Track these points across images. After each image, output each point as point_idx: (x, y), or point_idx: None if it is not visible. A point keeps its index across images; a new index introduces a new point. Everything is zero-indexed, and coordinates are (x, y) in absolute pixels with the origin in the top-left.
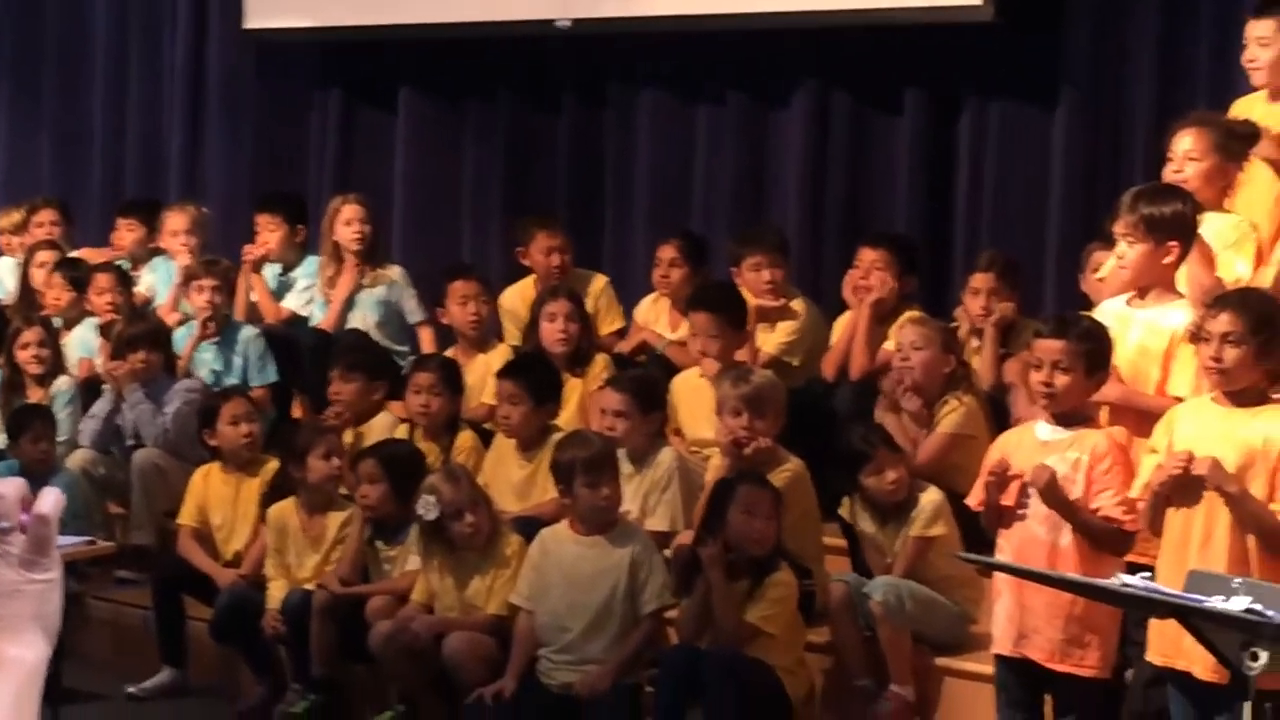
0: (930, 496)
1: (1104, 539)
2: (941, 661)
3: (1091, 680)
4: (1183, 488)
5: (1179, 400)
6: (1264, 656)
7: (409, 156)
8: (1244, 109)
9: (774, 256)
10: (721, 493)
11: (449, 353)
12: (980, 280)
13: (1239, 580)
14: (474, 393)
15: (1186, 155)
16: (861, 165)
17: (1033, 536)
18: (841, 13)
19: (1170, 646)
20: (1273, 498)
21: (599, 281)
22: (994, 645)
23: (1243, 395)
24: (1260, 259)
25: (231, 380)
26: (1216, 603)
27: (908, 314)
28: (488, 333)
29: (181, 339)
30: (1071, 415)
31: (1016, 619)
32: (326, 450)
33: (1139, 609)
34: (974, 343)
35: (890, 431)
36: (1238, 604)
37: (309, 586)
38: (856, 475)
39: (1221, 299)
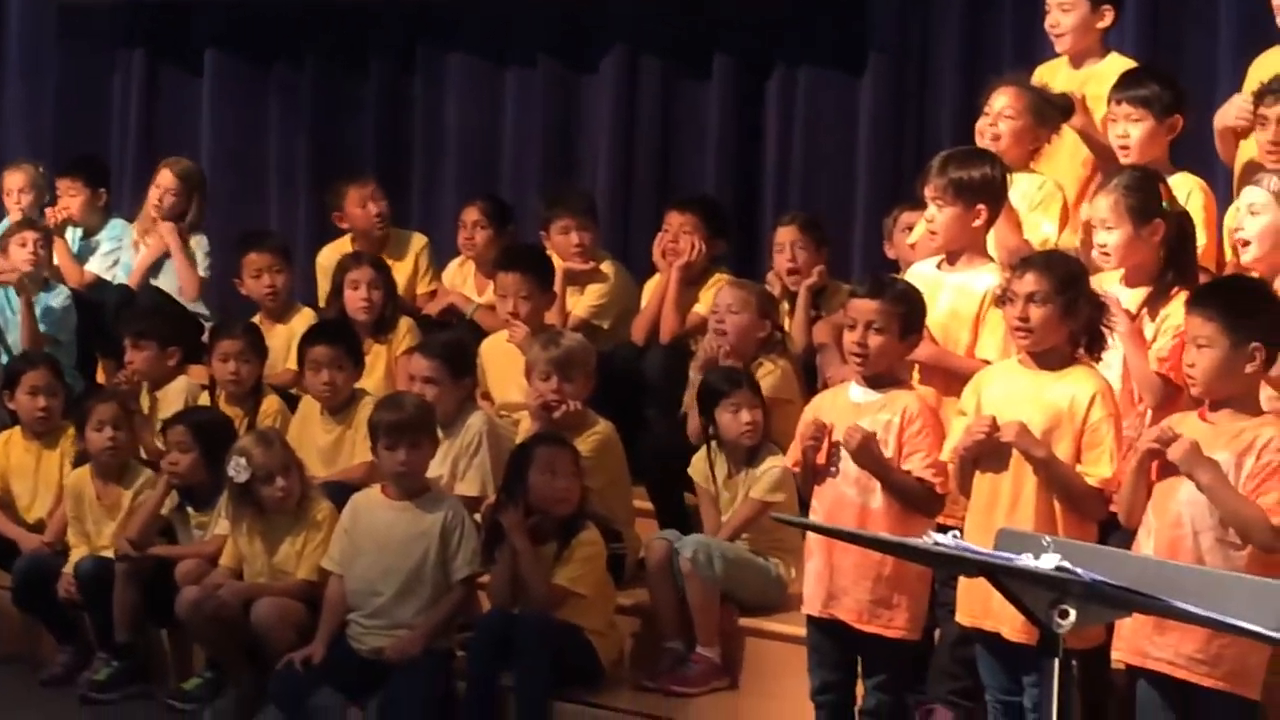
0: (779, 462)
1: (915, 500)
2: (754, 623)
3: (900, 641)
4: (990, 452)
5: (987, 363)
6: (1073, 614)
7: (214, 119)
8: (1047, 75)
9: (583, 220)
10: (520, 456)
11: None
12: (784, 234)
13: (1049, 538)
14: (277, 359)
15: (1002, 112)
16: (670, 129)
17: (843, 497)
18: None
19: (978, 607)
20: (1079, 459)
21: (419, 241)
22: (804, 606)
23: (1048, 357)
24: (1065, 221)
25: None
26: (1027, 561)
27: (721, 277)
28: (286, 301)
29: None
30: (883, 377)
31: (826, 580)
32: (99, 421)
33: (950, 568)
34: (785, 306)
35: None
36: (1048, 562)
37: (108, 554)
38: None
39: (1026, 260)
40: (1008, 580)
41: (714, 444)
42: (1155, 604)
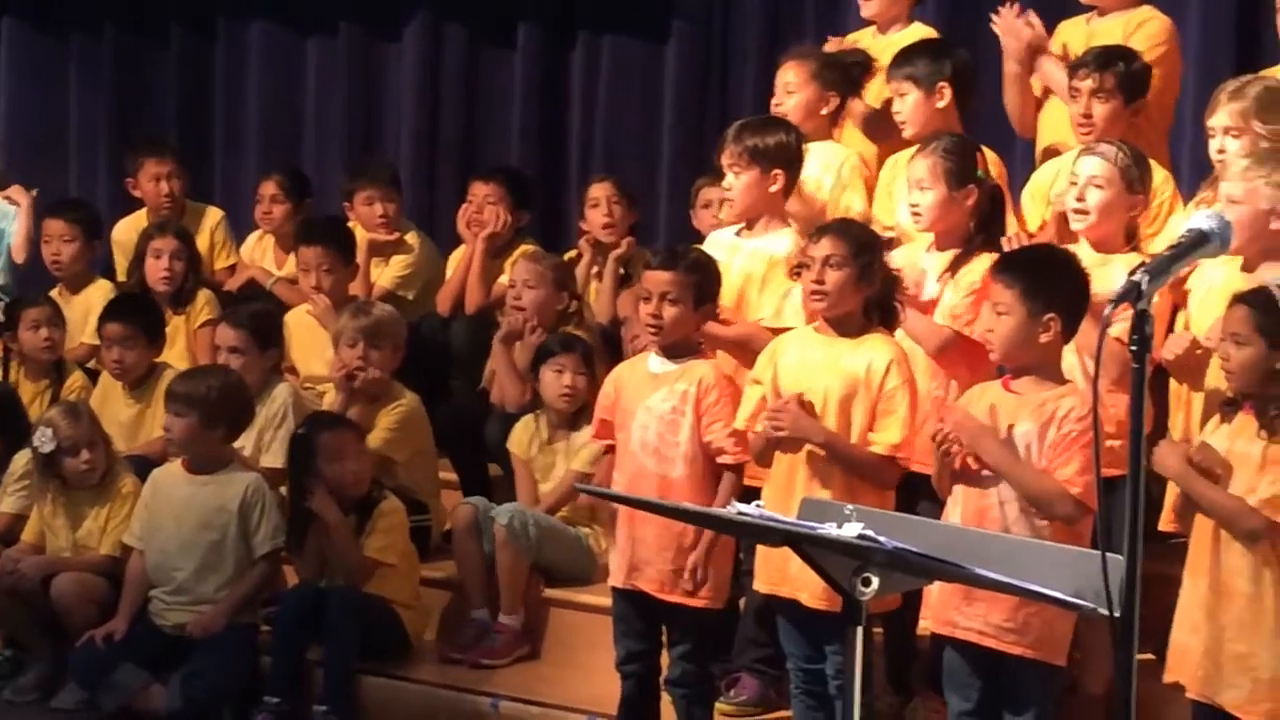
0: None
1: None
2: (562, 594)
3: (703, 610)
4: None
5: (763, 325)
6: (876, 582)
7: (12, 88)
8: (852, 42)
9: (386, 190)
10: (303, 443)
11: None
12: (599, 189)
13: (851, 507)
14: (74, 331)
15: (786, 87)
16: (474, 98)
17: (643, 469)
18: None
19: (776, 574)
20: (872, 427)
21: (214, 216)
22: (610, 578)
23: (844, 325)
24: (871, 194)
25: None
26: (830, 530)
27: (526, 247)
28: (80, 273)
29: None
30: (681, 347)
31: (629, 551)
32: None
33: (753, 537)
34: (595, 269)
35: (504, 366)
36: (850, 530)
37: None
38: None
39: (823, 226)
40: (811, 549)
41: (537, 412)
42: (957, 571)
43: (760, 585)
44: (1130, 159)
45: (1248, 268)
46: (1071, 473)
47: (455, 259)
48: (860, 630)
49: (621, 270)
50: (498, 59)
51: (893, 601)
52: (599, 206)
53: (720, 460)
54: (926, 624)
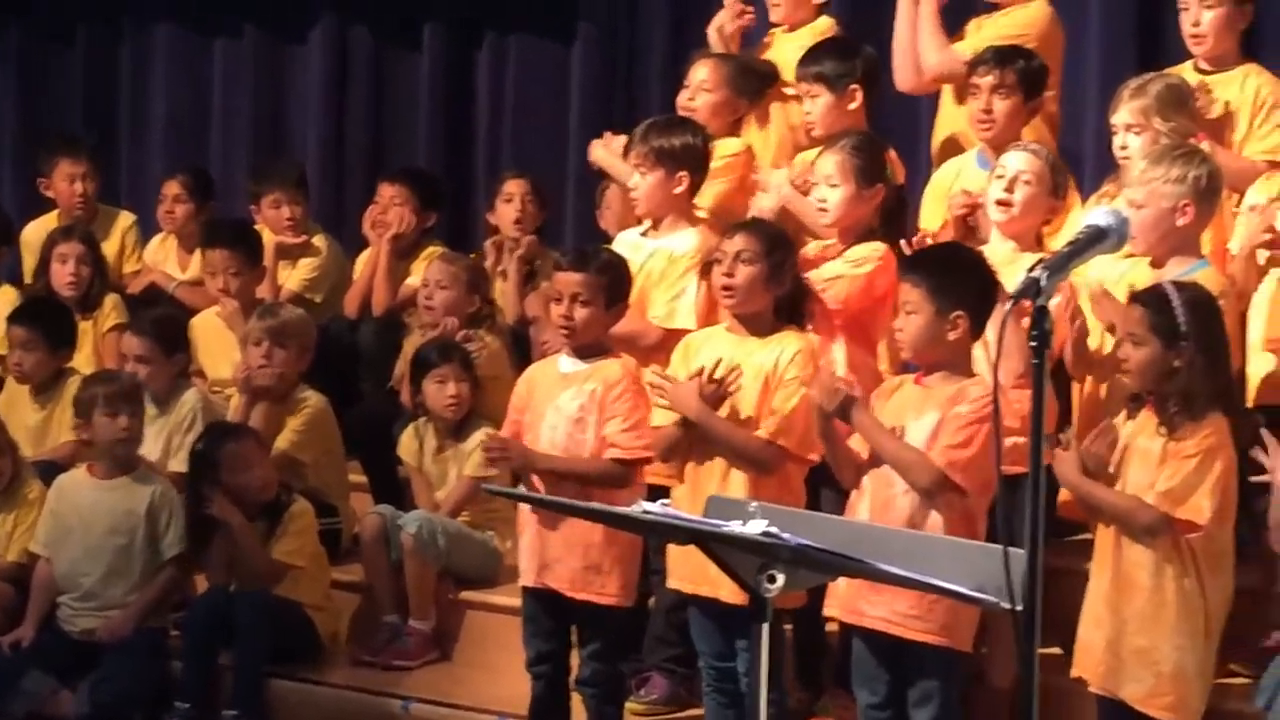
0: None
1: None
2: (472, 595)
3: (613, 608)
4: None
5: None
6: (781, 579)
7: None
8: (774, 52)
9: (293, 193)
10: (204, 458)
11: None
12: (514, 185)
13: (755, 504)
14: None
15: (700, 85)
16: (381, 100)
17: None
18: None
19: (695, 572)
20: (761, 415)
21: (125, 220)
22: (520, 577)
23: (755, 324)
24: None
25: None
26: (735, 527)
27: (433, 249)
28: None
29: None
30: (592, 347)
31: (538, 550)
32: None
33: (660, 536)
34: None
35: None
36: (754, 528)
37: None
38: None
39: (737, 224)
40: (716, 547)
41: (422, 420)
42: (861, 567)
43: (677, 583)
44: (1055, 161)
45: (1157, 264)
46: (955, 449)
47: (362, 261)
48: (766, 627)
49: (527, 269)
50: (404, 60)
51: (798, 598)
52: (512, 202)
53: (609, 455)
54: (833, 612)
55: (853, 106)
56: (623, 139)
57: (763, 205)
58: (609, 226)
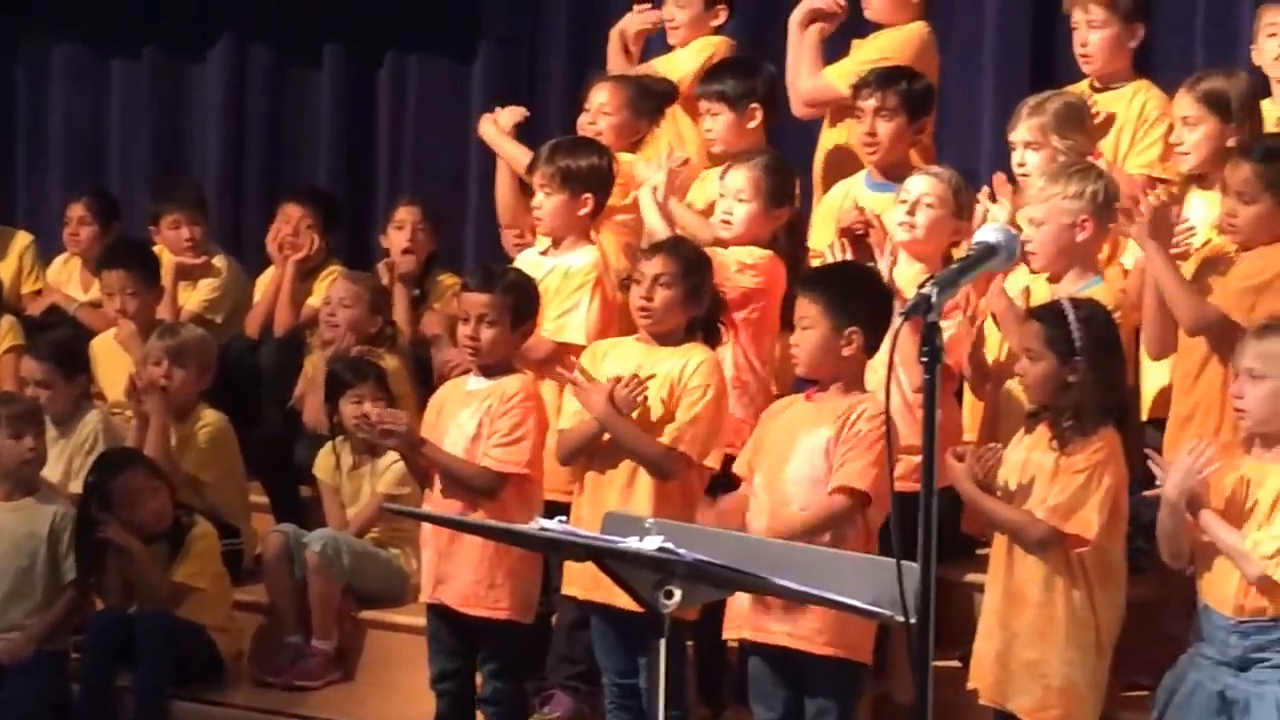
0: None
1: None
2: (376, 614)
3: (511, 626)
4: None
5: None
6: (678, 594)
7: None
8: (664, 66)
9: (193, 213)
10: (96, 491)
11: None
12: (405, 213)
13: (651, 521)
14: None
15: (600, 109)
16: (282, 120)
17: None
18: None
19: (591, 580)
20: (663, 422)
21: (23, 239)
22: (421, 594)
23: (666, 338)
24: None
25: None
26: (631, 543)
27: (334, 269)
28: None
29: None
30: (498, 366)
31: (436, 566)
32: None
33: (557, 553)
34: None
35: (311, 388)
36: (650, 543)
37: None
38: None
39: (657, 244)
40: (614, 563)
41: (339, 438)
42: (757, 582)
43: (574, 590)
44: (961, 183)
45: (1054, 280)
46: (854, 472)
47: (264, 281)
48: (663, 642)
49: (416, 291)
50: (304, 79)
51: (690, 612)
52: (403, 229)
53: (483, 463)
54: (730, 630)
55: (752, 125)
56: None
57: (654, 226)
58: (508, 245)
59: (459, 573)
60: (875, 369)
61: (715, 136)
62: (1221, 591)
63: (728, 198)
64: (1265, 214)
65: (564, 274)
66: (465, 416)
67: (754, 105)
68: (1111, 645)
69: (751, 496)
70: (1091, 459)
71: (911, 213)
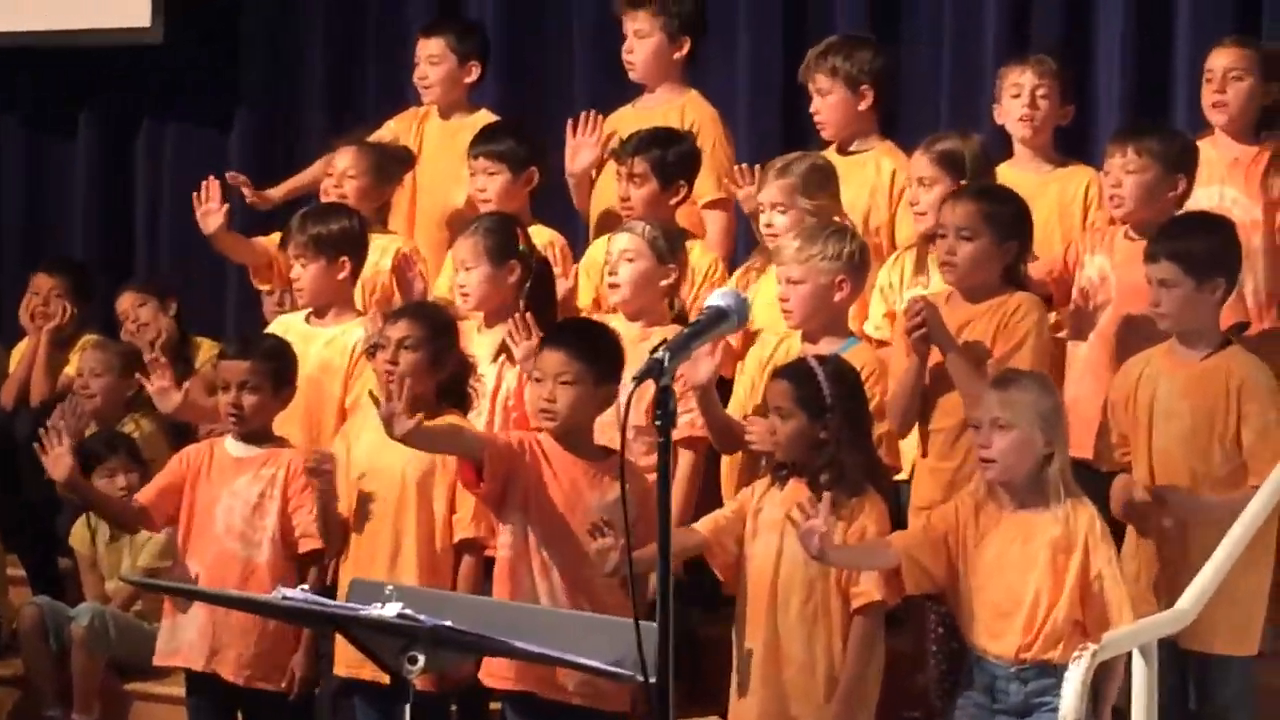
0: None
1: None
2: (137, 686)
3: (281, 695)
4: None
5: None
6: (422, 659)
7: None
8: (403, 127)
9: None
10: None
11: None
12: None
13: (391, 587)
14: None
15: (345, 173)
16: (35, 189)
17: (229, 552)
18: (5, 35)
19: (354, 656)
20: (453, 507)
21: None
22: (186, 659)
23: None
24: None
25: None
26: (373, 610)
27: (89, 338)
28: None
29: None
30: (260, 433)
31: (209, 635)
32: None
33: (300, 621)
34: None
35: None
36: (390, 610)
37: None
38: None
39: (400, 309)
40: (358, 631)
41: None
42: (499, 646)
43: (340, 669)
44: (659, 233)
45: (810, 340)
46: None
47: (18, 352)
48: (409, 709)
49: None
50: (59, 149)
51: (468, 674)
52: (130, 317)
53: (304, 547)
54: (487, 680)
55: (527, 189)
56: None
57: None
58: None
59: (236, 643)
60: (604, 429)
61: (489, 197)
62: (1000, 640)
63: (459, 270)
64: (982, 252)
65: (351, 350)
66: (242, 485)
67: (533, 169)
68: (875, 696)
69: None
70: (866, 529)
71: (613, 272)
